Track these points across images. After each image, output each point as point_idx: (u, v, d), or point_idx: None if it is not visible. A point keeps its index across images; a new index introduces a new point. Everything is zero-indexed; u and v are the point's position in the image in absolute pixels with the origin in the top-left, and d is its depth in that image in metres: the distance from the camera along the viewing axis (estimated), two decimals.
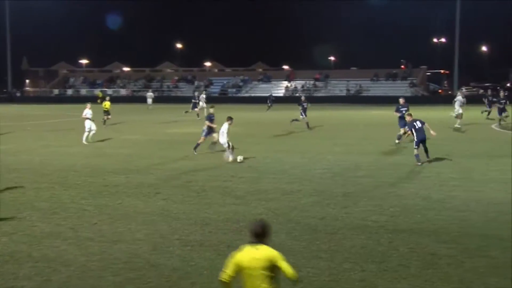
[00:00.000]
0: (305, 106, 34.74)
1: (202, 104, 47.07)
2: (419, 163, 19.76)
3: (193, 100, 47.70)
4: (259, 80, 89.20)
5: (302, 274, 9.34)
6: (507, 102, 36.28)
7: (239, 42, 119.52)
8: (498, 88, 38.68)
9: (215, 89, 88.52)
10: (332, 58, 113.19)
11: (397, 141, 25.73)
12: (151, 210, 13.65)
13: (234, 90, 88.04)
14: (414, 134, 20.36)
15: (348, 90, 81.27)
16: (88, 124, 27.94)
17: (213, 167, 20.18)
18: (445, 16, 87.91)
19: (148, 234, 11.64)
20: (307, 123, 34.53)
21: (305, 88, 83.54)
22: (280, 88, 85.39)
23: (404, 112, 25.17)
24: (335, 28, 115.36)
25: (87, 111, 28.32)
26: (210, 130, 23.39)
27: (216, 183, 17.14)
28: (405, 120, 22.57)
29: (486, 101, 43.56)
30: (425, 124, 20.54)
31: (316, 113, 42.94)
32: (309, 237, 11.36)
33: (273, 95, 64.93)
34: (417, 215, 12.96)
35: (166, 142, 28.46)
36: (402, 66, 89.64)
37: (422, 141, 20.25)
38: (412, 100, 66.97)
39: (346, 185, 16.53)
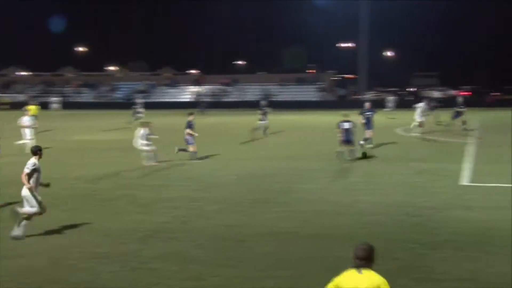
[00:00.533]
0: (265, 111, 34.09)
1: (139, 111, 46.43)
2: (342, 160, 21.96)
3: (133, 107, 46.61)
4: (166, 85, 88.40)
5: (208, 283, 9.33)
6: (465, 107, 36.72)
7: (145, 46, 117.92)
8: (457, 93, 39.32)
9: (120, 95, 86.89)
10: (240, 62, 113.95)
11: (368, 145, 25.73)
12: (52, 221, 13.15)
13: (140, 95, 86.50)
14: (342, 134, 22.26)
15: (266, 95, 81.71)
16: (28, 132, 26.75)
17: (119, 175, 19.80)
18: (351, 21, 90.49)
19: (47, 248, 11.22)
20: (266, 129, 33.53)
21: (214, 93, 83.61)
22: (188, 93, 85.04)
23: (369, 116, 26.00)
24: (245, 32, 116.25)
25: (26, 119, 27.28)
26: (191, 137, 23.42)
27: (122, 191, 16.82)
28: (371, 124, 25.42)
29: (427, 105, 45.28)
30: (352, 125, 22.49)
31: (226, 119, 43.09)
32: (216, 245, 11.33)
33: (205, 100, 63.99)
34: (326, 220, 13.23)
35: (73, 150, 27.61)
36: (310, 71, 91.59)
37: (347, 141, 22.20)
38: (320, 105, 69.15)
39: (256, 191, 16.64)
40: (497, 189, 16.48)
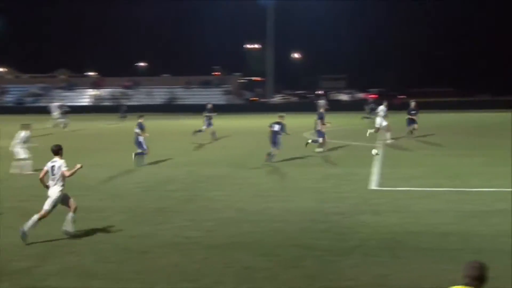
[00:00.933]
0: (211, 115, 34.10)
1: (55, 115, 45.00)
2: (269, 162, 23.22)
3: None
4: (61, 88, 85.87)
5: None
6: (418, 112, 33.90)
7: (38, 46, 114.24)
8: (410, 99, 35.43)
9: (11, 98, 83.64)
10: (143, 64, 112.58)
11: (320, 149, 26.82)
12: None
13: (31, 99, 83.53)
14: (270, 135, 23.81)
15: (171, 98, 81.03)
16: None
17: (11, 186, 19.06)
18: (257, 22, 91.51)
19: None
20: (213, 133, 33.90)
21: (114, 96, 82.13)
22: (86, 97, 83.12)
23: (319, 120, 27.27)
24: (149, 32, 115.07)
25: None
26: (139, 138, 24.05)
27: (12, 203, 16.19)
28: (320, 128, 26.60)
29: (367, 109, 45.99)
30: (280, 127, 23.62)
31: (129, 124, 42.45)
32: (119, 258, 11.12)
33: (125, 104, 62.16)
34: (232, 228, 13.27)
35: None
36: (216, 73, 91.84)
37: (273, 143, 23.61)
38: (227, 109, 69.33)
39: (160, 200, 16.48)
40: (404, 193, 17.06)
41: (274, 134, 23.71)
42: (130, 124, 48.60)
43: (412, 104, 33.90)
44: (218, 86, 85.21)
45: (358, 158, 24.97)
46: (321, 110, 28.52)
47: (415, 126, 33.16)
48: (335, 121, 36.29)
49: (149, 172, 21.84)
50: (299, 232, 12.88)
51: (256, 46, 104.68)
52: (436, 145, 29.42)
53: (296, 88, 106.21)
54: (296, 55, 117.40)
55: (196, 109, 66.21)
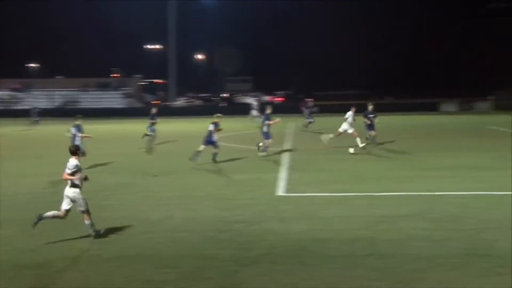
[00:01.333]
0: (155, 120, 33.24)
1: None
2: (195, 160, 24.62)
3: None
4: None
5: None
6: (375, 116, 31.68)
7: None
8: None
9: None
10: (34, 65, 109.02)
11: (264, 153, 27.63)
12: None
13: None
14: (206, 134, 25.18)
15: (67, 102, 78.67)
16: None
17: None
18: (159, 21, 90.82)
19: None
20: (151, 140, 32.84)
21: (2, 99, 79.22)
22: None
23: (266, 122, 27.95)
24: (39, 30, 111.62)
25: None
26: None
27: None
28: (268, 130, 27.43)
29: (306, 111, 46.07)
30: (214, 127, 24.96)
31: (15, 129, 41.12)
32: (8, 275, 10.77)
33: (38, 107, 59.24)
34: (132, 239, 13.07)
35: None
36: (115, 75, 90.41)
37: (209, 143, 25.07)
38: (127, 113, 68.41)
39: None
40: (312, 199, 17.35)
41: (210, 133, 25.15)
42: (46, 129, 47.34)
43: (370, 107, 31.53)
44: (117, 88, 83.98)
45: (263, 163, 25.20)
46: (269, 112, 28.61)
47: (372, 133, 31.21)
48: (241, 125, 36.55)
49: (45, 180, 21.17)
50: (202, 242, 12.84)
51: (157, 46, 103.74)
52: (344, 149, 30.10)
53: (201, 91, 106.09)
54: (199, 56, 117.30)
55: (93, 114, 65.13)
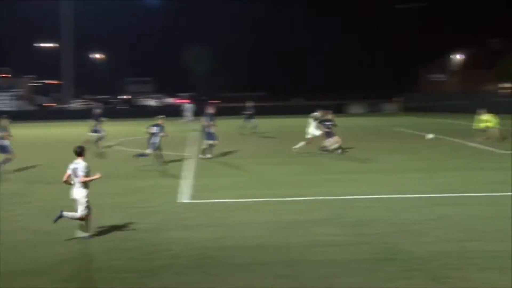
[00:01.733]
0: (100, 121, 32.97)
1: None
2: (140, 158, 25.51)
3: None
4: None
5: None
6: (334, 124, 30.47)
7: None
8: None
9: None
10: None
11: (208, 155, 28.29)
12: None
13: None
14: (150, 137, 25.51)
15: None
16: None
17: None
18: (52, 17, 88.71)
19: None
20: (100, 140, 32.67)
21: None
22: None
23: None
24: None
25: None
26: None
27: None
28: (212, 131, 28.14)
29: (246, 115, 45.13)
30: (160, 129, 25.19)
31: None
32: None
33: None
34: (27, 253, 12.78)
35: None
36: (3, 75, 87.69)
37: (150, 143, 25.32)
38: (17, 116, 66.31)
39: None
40: (218, 205, 17.47)
41: (154, 136, 25.31)
42: None
43: (329, 116, 30.71)
44: (7, 90, 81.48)
45: (166, 169, 25.09)
46: (211, 111, 28.97)
47: (331, 140, 29.84)
48: (143, 129, 36.01)
49: None
50: (103, 253, 12.71)
51: (51, 45, 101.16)
52: (251, 152, 30.37)
53: (99, 93, 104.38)
54: (97, 56, 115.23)
55: None
